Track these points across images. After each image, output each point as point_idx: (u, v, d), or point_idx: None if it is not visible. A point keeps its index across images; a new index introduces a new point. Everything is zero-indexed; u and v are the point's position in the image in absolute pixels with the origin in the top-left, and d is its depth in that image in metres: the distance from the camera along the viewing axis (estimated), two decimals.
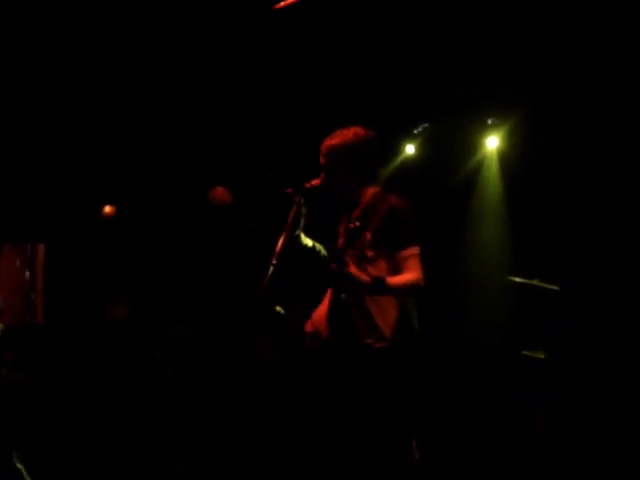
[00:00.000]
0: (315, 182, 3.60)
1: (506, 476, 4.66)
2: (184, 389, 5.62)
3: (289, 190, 3.58)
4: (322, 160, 3.59)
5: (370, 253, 3.43)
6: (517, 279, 5.12)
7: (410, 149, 6.43)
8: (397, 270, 3.39)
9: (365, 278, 3.28)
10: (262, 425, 5.17)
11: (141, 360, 5.86)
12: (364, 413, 3.44)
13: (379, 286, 3.27)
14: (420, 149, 6.41)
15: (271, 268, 3.39)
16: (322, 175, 3.59)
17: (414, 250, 3.39)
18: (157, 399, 5.57)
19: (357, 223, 3.31)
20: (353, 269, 3.29)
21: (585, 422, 4.56)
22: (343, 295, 3.46)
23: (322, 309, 3.63)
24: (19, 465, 4.49)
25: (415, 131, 6.39)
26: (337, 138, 3.58)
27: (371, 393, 3.43)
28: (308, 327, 3.64)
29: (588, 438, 4.51)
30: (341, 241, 3.58)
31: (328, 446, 3.56)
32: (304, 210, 3.59)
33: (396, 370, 3.43)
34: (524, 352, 4.94)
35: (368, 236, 3.44)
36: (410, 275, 3.35)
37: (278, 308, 3.59)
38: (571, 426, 4.56)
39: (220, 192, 6.59)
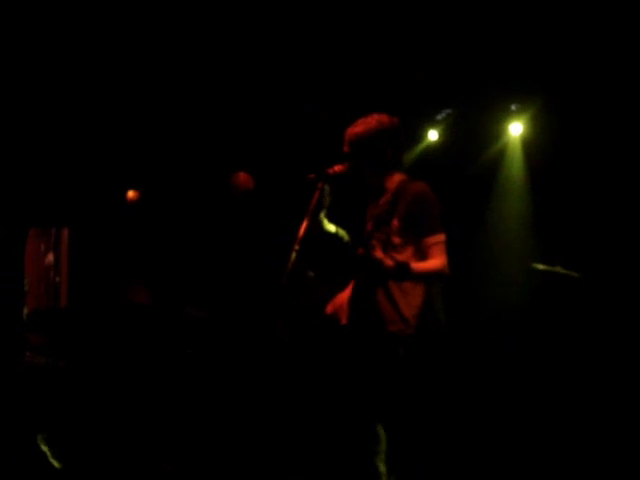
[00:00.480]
0: (338, 168, 3.60)
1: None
2: (202, 374, 5.66)
3: (312, 176, 3.59)
4: (346, 148, 3.58)
5: (397, 240, 3.44)
6: (540, 266, 5.09)
7: (433, 135, 6.41)
8: (423, 257, 3.39)
9: (389, 262, 3.27)
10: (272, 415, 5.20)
11: (163, 347, 5.90)
12: (377, 399, 3.46)
13: (403, 271, 3.27)
14: (443, 135, 6.38)
15: (294, 254, 3.40)
16: (346, 162, 3.59)
17: (440, 237, 3.39)
18: (176, 386, 5.61)
19: (386, 208, 3.31)
20: (379, 254, 3.28)
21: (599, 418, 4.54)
22: (366, 280, 3.47)
23: (345, 293, 3.64)
24: (44, 448, 4.55)
25: (438, 117, 6.36)
26: (361, 126, 3.57)
27: (389, 379, 3.44)
28: (328, 310, 3.66)
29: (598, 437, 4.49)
30: (369, 226, 3.58)
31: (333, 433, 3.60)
32: (327, 196, 3.60)
33: (417, 359, 3.45)
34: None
35: (395, 223, 3.45)
36: (435, 262, 3.35)
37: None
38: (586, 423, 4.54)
39: (243, 177, 6.60)
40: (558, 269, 5.06)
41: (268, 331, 5.29)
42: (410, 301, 3.45)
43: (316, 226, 3.61)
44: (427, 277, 3.41)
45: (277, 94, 6.42)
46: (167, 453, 4.82)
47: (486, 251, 6.05)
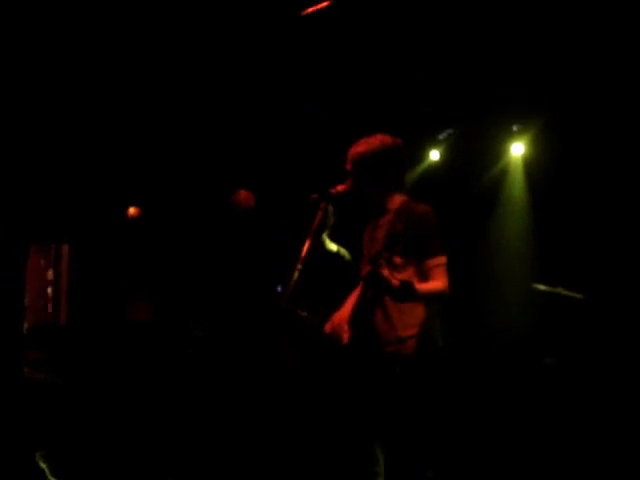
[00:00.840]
0: (340, 188, 3.61)
1: None
2: (203, 385, 5.64)
3: (315, 196, 3.60)
4: (349, 167, 3.59)
5: (398, 260, 3.43)
6: (541, 287, 5.09)
7: (435, 155, 6.43)
8: (424, 278, 3.42)
9: (395, 282, 3.28)
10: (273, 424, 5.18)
11: (165, 361, 5.88)
12: (375, 420, 3.46)
13: (408, 291, 3.28)
14: (445, 155, 6.40)
15: (296, 273, 3.40)
16: (349, 181, 3.60)
17: (442, 259, 3.42)
18: (177, 400, 5.59)
19: (400, 227, 3.32)
20: (386, 272, 3.29)
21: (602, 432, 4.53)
22: (367, 299, 3.46)
23: (343, 312, 3.63)
24: (42, 464, 4.53)
25: (440, 137, 6.38)
26: (363, 145, 3.59)
27: (387, 400, 3.44)
28: (327, 329, 3.65)
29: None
30: (378, 246, 3.58)
31: (334, 449, 3.59)
32: (330, 216, 3.61)
33: (415, 380, 3.45)
34: (546, 360, 4.90)
35: (400, 245, 3.40)
36: (437, 283, 3.38)
37: (302, 312, 3.62)
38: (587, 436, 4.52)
39: (244, 195, 6.60)
40: (559, 290, 5.06)
41: (270, 348, 5.27)
42: (407, 321, 3.46)
43: (319, 246, 3.62)
44: (429, 298, 3.43)
45: (280, 114, 6.44)
46: (169, 467, 4.82)
47: (487, 271, 6.05)
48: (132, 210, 7.48)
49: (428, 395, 3.52)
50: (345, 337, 3.51)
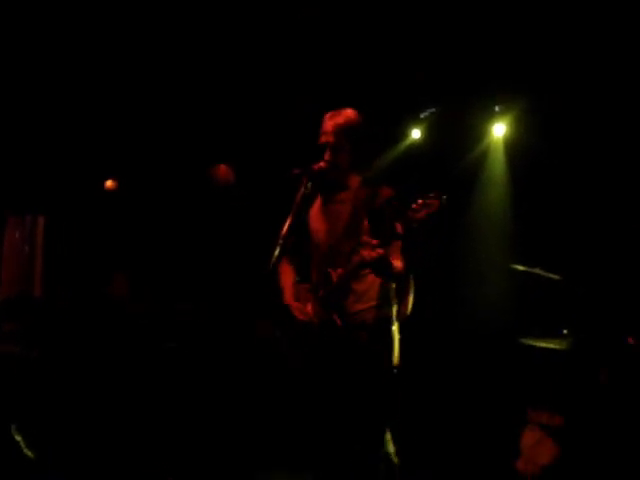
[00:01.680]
0: (323, 164, 3.60)
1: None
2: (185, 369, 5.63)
3: (297, 171, 3.57)
4: (330, 139, 3.56)
5: (366, 239, 3.44)
6: (520, 267, 5.11)
7: (416, 133, 6.40)
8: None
9: (398, 264, 3.34)
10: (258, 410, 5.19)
11: (140, 338, 5.85)
12: (345, 398, 3.49)
13: (387, 265, 3.32)
14: (426, 134, 6.37)
15: (277, 249, 3.38)
16: (328, 155, 3.58)
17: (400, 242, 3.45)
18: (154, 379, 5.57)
19: (375, 207, 3.34)
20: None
21: (582, 415, 4.56)
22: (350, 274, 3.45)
23: (306, 299, 3.65)
24: (17, 437, 4.50)
25: (422, 115, 6.35)
26: (341, 117, 3.59)
27: (354, 376, 3.48)
28: (301, 317, 3.63)
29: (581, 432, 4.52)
30: (343, 223, 3.57)
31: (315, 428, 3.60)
32: (310, 192, 3.59)
33: (381, 344, 3.50)
34: (523, 340, 4.93)
35: (366, 223, 3.49)
36: (401, 263, 3.43)
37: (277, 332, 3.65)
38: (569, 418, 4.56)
39: (223, 170, 6.56)
40: (537, 271, 5.09)
41: (252, 327, 5.27)
42: (371, 295, 3.52)
43: (300, 222, 3.60)
44: (398, 276, 3.46)
45: (259, 88, 6.38)
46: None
47: (467, 250, 6.06)
48: (109, 182, 7.40)
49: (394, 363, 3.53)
50: (338, 321, 3.49)
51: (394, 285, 3.58)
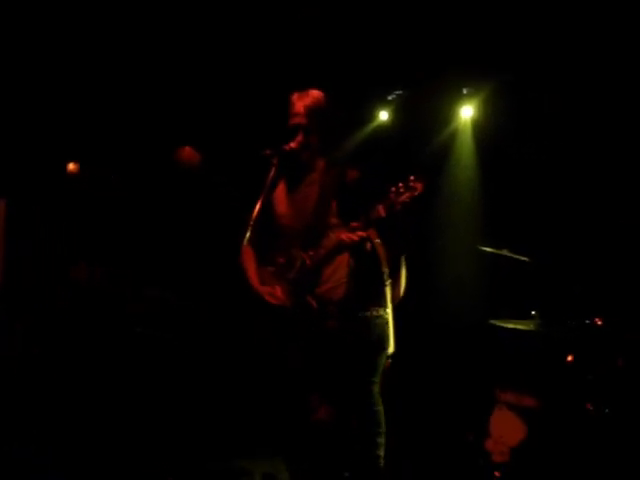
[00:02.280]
0: (293, 144, 3.58)
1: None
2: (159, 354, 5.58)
3: (267, 152, 3.54)
4: (303, 120, 3.55)
5: (334, 220, 3.47)
6: (487, 249, 5.14)
7: (384, 115, 6.38)
8: None
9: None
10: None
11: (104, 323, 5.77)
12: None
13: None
14: (394, 116, 6.35)
15: (249, 230, 3.35)
16: (300, 136, 3.55)
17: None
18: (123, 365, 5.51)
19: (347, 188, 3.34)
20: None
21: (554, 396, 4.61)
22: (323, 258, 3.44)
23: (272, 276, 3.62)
24: None
25: (389, 97, 6.33)
26: (309, 98, 3.59)
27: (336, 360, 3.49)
28: (272, 300, 3.61)
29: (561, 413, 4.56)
30: (312, 203, 3.55)
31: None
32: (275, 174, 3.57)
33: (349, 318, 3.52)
34: (492, 321, 4.97)
35: (334, 205, 3.50)
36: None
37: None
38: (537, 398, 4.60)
39: (188, 152, 6.48)
40: (505, 252, 5.12)
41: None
42: (339, 273, 3.54)
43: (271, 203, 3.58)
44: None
45: (226, 67, 6.31)
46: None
47: (436, 233, 6.07)
48: (72, 166, 7.28)
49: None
50: (313, 303, 3.47)
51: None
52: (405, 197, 3.17)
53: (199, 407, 5.34)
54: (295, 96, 3.62)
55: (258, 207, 3.46)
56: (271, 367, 3.55)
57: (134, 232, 6.66)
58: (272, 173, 3.50)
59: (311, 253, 3.47)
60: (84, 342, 5.66)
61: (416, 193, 3.18)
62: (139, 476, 4.60)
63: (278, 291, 3.55)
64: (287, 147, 3.55)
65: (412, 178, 3.20)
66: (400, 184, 3.20)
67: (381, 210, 3.21)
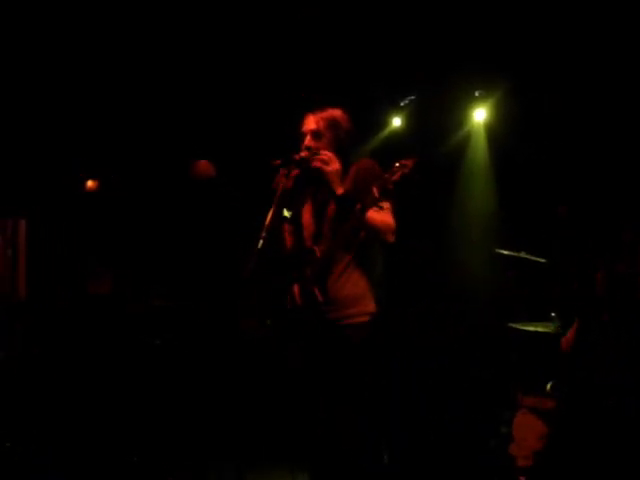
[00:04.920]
0: (304, 154, 3.58)
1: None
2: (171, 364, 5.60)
3: (277, 162, 3.55)
4: (312, 126, 3.60)
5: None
6: (504, 251, 5.11)
7: (397, 121, 6.37)
8: None
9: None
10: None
11: (127, 337, 5.81)
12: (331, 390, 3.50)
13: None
14: (407, 121, 6.34)
15: (260, 241, 3.35)
16: (308, 141, 3.57)
17: (389, 204, 3.47)
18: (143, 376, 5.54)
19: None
20: None
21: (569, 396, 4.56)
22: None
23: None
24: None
25: (402, 103, 6.32)
26: (326, 111, 3.64)
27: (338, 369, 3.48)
28: (289, 301, 3.63)
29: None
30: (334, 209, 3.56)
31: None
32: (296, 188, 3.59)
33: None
34: (511, 324, 4.93)
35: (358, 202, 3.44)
36: (386, 218, 3.46)
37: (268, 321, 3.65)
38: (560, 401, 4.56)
39: (203, 165, 6.52)
40: (523, 254, 5.09)
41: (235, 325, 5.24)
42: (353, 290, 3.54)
43: (282, 213, 3.59)
44: (378, 223, 3.47)
45: (238, 81, 6.34)
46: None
47: (451, 236, 6.06)
48: (90, 183, 7.35)
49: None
50: (319, 295, 3.49)
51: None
52: (397, 176, 3.24)
53: (198, 407, 5.36)
54: (312, 111, 3.66)
55: (270, 217, 3.46)
56: (272, 368, 3.55)
57: (153, 245, 6.71)
58: (282, 183, 3.50)
59: (321, 247, 3.51)
60: (85, 343, 5.71)
61: (407, 170, 3.24)
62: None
63: (295, 289, 3.60)
64: (297, 156, 3.56)
65: (402, 161, 3.29)
66: (395, 164, 3.28)
67: (375, 192, 3.28)
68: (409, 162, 3.26)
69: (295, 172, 3.53)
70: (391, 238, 3.50)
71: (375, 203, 3.31)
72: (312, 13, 5.58)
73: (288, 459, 4.35)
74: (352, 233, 3.45)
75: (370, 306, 3.56)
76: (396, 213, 3.50)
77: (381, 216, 3.43)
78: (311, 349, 3.55)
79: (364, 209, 3.34)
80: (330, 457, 3.50)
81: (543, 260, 5.07)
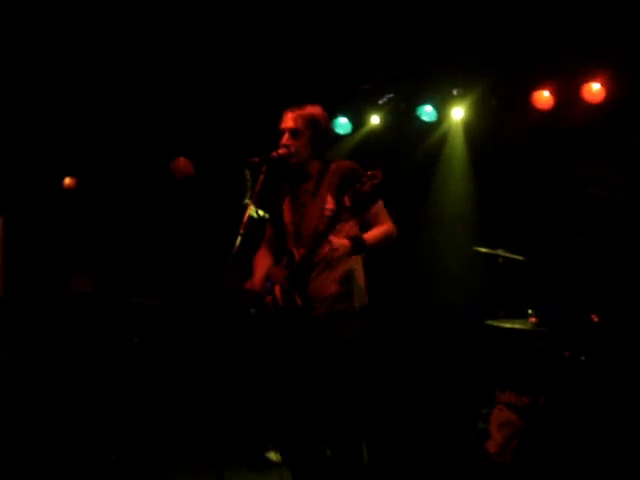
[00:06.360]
0: (282, 151, 3.58)
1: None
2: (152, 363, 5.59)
3: (255, 159, 3.55)
4: (290, 124, 3.59)
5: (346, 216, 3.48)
6: (482, 249, 5.15)
7: (375, 120, 6.37)
8: (368, 227, 3.55)
9: (344, 242, 3.38)
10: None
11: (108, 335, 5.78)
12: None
13: (359, 244, 3.41)
14: (385, 120, 6.35)
15: (239, 238, 3.35)
16: (291, 143, 3.57)
17: (380, 204, 3.52)
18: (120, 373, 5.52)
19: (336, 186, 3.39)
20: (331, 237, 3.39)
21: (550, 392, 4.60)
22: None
23: (276, 277, 3.63)
24: None
25: (380, 102, 6.33)
26: (306, 109, 3.64)
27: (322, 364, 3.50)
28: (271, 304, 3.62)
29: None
30: (329, 212, 3.56)
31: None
32: (252, 179, 3.57)
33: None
34: (489, 322, 4.97)
35: (333, 203, 3.52)
36: (384, 227, 3.53)
37: (252, 310, 3.65)
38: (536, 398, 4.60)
39: (182, 163, 6.50)
40: (500, 252, 5.13)
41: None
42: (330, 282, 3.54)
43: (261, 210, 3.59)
44: (382, 242, 3.52)
45: (216, 79, 6.32)
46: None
47: (429, 234, 6.09)
48: (68, 180, 7.29)
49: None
50: (298, 300, 3.49)
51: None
52: (367, 187, 3.27)
53: (193, 409, 5.35)
54: (291, 108, 3.66)
55: (247, 214, 3.46)
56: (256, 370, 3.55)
57: (132, 242, 6.68)
58: (260, 180, 3.50)
59: (301, 250, 3.52)
60: (80, 347, 5.69)
61: (376, 181, 3.27)
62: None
63: (277, 289, 3.58)
64: (275, 154, 3.57)
65: (370, 172, 3.31)
66: (363, 175, 3.32)
67: (346, 201, 3.32)
68: (378, 173, 3.29)
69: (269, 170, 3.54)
70: (396, 236, 3.58)
71: (346, 212, 3.38)
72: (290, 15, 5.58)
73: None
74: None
75: (355, 302, 3.56)
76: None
77: (379, 229, 3.50)
78: (298, 350, 3.54)
79: (337, 217, 3.39)
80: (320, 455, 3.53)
81: (520, 258, 5.11)
